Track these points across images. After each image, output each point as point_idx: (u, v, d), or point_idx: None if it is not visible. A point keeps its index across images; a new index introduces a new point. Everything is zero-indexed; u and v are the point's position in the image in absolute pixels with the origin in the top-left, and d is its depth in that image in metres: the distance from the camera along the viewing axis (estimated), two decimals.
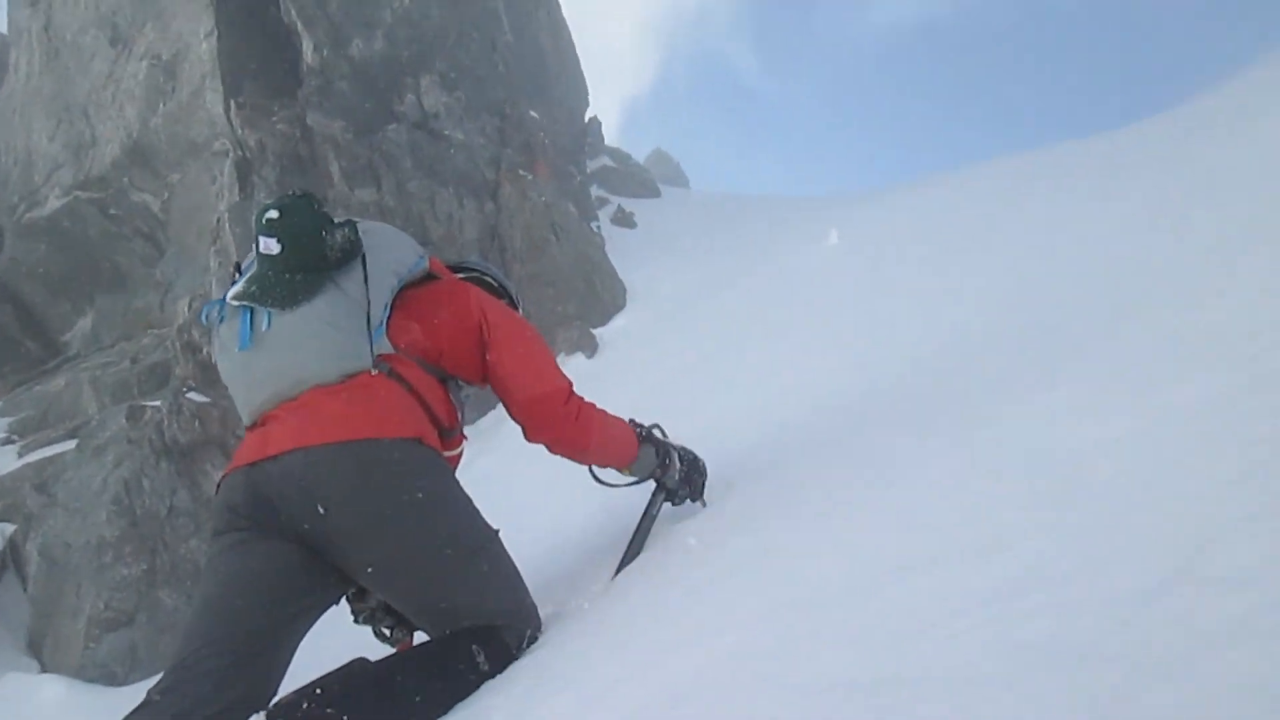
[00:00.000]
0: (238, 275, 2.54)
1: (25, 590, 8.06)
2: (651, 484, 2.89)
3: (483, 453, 7.78)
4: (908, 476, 2.03)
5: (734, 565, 2.06)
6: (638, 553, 2.76)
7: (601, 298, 10.19)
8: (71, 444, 8.93)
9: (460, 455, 2.69)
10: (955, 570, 1.29)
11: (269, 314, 2.37)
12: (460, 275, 2.88)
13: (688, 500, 2.91)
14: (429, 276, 2.65)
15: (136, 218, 11.24)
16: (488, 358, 2.57)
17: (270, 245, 2.39)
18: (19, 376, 11.07)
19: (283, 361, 2.35)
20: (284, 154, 9.81)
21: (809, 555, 1.80)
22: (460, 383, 2.65)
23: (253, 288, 2.40)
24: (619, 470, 2.80)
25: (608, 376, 7.84)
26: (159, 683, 2.13)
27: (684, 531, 2.68)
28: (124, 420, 8.12)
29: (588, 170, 15.70)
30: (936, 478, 1.90)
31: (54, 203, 11.45)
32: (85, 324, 11.65)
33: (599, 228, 12.70)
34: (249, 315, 2.40)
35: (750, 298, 8.81)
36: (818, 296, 7.43)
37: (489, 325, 2.57)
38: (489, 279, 2.97)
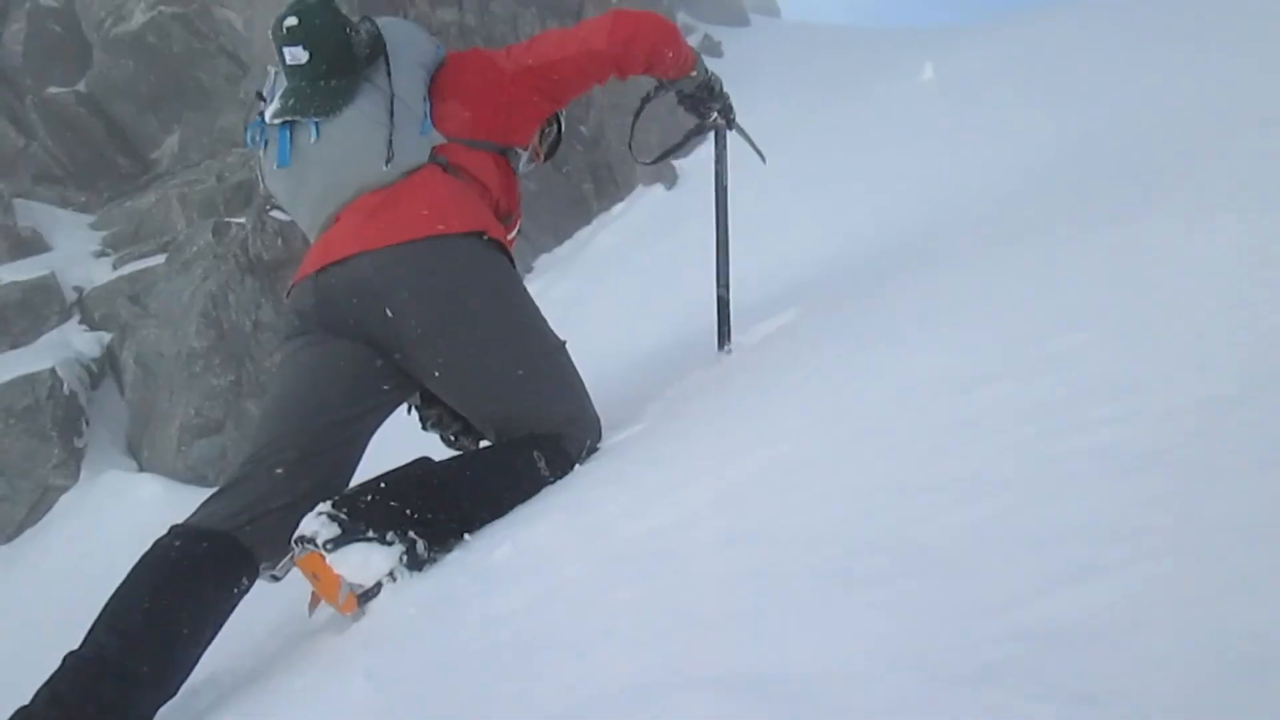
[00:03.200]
0: (263, 103, 2.48)
1: (123, 395, 8.45)
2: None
3: (561, 278, 7.82)
4: (982, 300, 1.97)
5: (795, 384, 2.04)
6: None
7: (685, 128, 9.96)
8: (162, 258, 9.17)
9: (516, 235, 2.67)
10: (1020, 383, 1.25)
11: (315, 125, 2.33)
12: None
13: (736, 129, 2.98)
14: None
15: (220, 35, 11.18)
16: (552, 76, 2.53)
17: (297, 54, 2.31)
18: (111, 192, 11.29)
19: (336, 169, 2.32)
20: None
21: (870, 375, 1.77)
22: (518, 151, 2.60)
23: (290, 101, 2.34)
24: (679, 79, 2.73)
25: (688, 207, 7.73)
26: (233, 472, 2.21)
27: (743, 354, 2.67)
28: (210, 236, 8.30)
29: None
30: (1013, 299, 1.84)
31: (139, 17, 11.41)
32: (173, 141, 11.77)
33: None
34: (288, 131, 2.36)
35: (837, 133, 8.54)
36: (904, 133, 7.16)
37: (531, 60, 2.52)
38: None
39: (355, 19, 2.41)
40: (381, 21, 2.49)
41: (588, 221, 9.23)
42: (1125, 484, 0.83)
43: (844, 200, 5.63)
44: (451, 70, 2.51)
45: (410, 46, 2.45)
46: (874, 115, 8.51)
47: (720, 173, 2.90)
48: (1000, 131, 5.21)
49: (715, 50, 13.32)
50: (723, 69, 2.91)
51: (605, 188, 10.08)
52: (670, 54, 2.61)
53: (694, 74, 2.72)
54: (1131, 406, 1.00)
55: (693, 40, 13.57)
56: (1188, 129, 2.94)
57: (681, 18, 14.30)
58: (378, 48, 2.39)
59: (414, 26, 2.59)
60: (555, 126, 2.85)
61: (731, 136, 3.01)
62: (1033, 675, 0.60)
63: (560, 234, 8.70)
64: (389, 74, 2.36)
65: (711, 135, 2.98)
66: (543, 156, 2.86)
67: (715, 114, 2.87)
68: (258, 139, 2.48)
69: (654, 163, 2.94)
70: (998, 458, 1.03)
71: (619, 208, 9.46)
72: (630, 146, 3.01)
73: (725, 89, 2.88)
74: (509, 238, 2.53)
